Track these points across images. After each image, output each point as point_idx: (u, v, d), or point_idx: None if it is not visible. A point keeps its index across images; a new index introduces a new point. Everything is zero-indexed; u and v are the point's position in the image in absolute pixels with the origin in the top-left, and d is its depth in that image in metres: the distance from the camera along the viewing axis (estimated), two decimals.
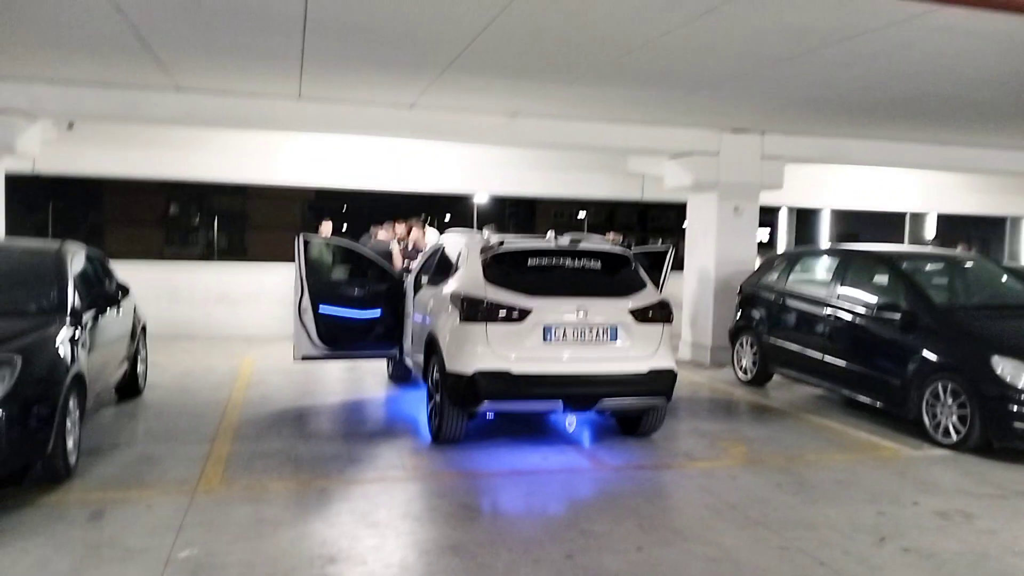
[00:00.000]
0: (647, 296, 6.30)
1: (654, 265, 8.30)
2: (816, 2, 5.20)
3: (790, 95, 8.21)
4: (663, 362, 6.15)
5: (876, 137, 10.76)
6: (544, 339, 5.91)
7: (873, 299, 7.52)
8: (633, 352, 6.08)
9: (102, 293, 6.65)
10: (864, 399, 7.46)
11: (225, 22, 6.00)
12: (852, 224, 28.19)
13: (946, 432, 6.51)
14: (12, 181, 9.86)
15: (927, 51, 6.16)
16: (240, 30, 6.21)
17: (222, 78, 8.14)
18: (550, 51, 6.63)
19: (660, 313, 6.22)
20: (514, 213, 60.89)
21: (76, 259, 6.42)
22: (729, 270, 10.39)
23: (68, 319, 5.56)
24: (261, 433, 6.57)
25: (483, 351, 5.82)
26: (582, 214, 44.32)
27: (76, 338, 5.54)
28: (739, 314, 9.46)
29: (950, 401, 6.48)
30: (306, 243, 7.57)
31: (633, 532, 4.61)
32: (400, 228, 11.03)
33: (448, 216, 41.57)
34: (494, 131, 9.84)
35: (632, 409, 6.38)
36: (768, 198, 15.98)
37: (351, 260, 8.11)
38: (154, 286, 11.21)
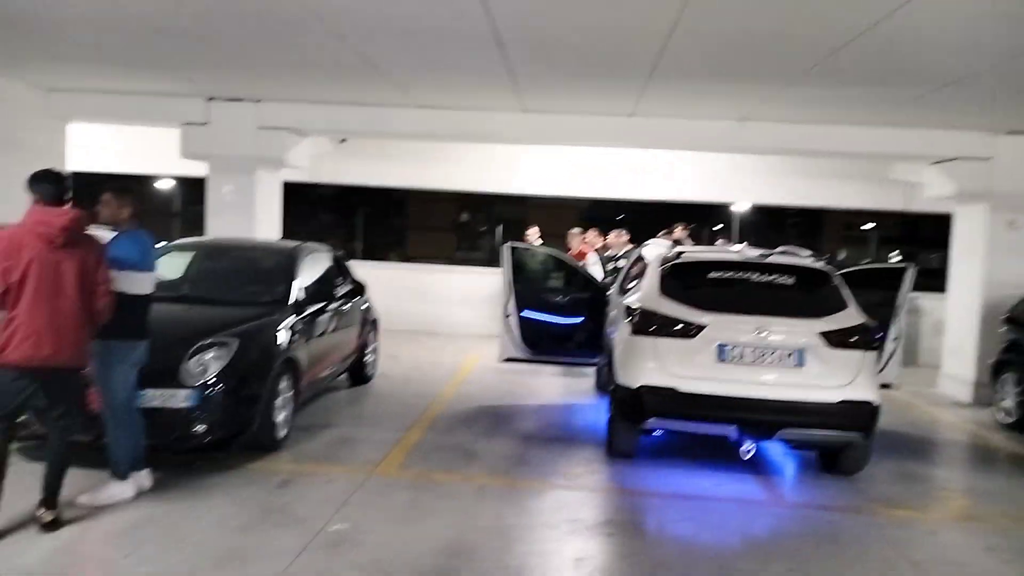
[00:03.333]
0: (845, 318, 5.65)
1: (891, 285, 7.39)
2: None
3: None
4: (860, 393, 5.48)
5: None
6: (719, 358, 5.56)
7: None
8: (823, 379, 5.48)
9: (331, 289, 7.48)
10: None
11: (432, 42, 6.46)
12: None
13: None
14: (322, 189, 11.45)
15: None
16: (445, 49, 6.64)
17: (447, 95, 8.74)
18: (743, 52, 6.22)
19: (859, 338, 5.55)
20: (796, 224, 57.39)
21: (310, 259, 7.30)
22: (1000, 293, 8.88)
23: (289, 310, 6.37)
24: (452, 426, 6.96)
25: (651, 366, 5.63)
26: (869, 225, 40.47)
27: (295, 327, 6.32)
28: (1003, 346, 8.09)
29: None
30: (513, 250, 7.88)
31: None
32: (595, 236, 10.80)
33: (719, 225, 40.34)
34: (722, 137, 9.42)
35: (822, 443, 5.77)
36: None
37: (558, 268, 8.30)
38: (405, 285, 12.57)
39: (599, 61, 6.79)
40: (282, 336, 6.10)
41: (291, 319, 6.30)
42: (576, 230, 11.29)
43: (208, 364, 5.30)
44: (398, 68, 7.57)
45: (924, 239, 42.99)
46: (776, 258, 6.08)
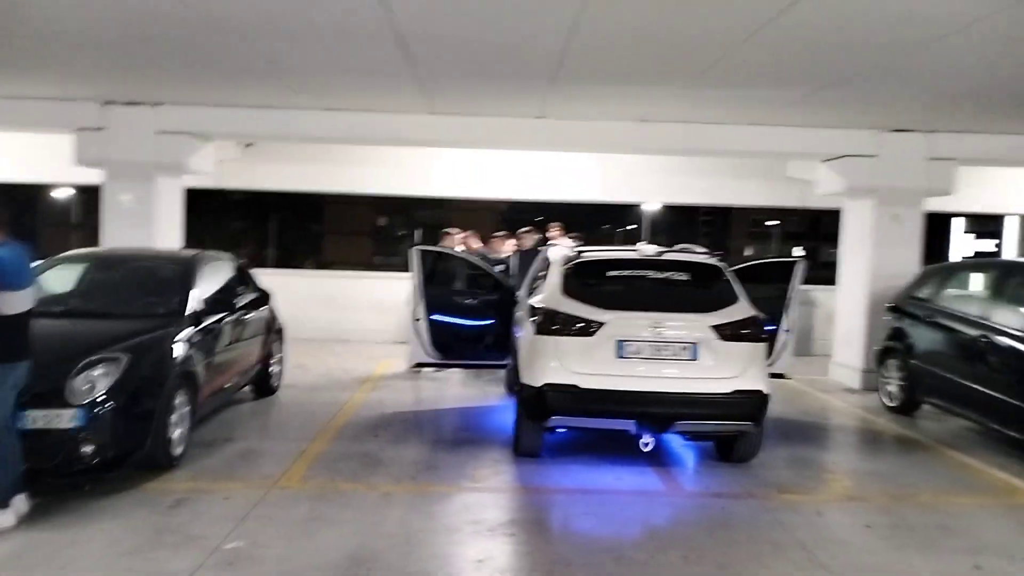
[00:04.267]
0: (736, 312, 5.88)
1: (783, 278, 7.71)
2: None
3: (943, 88, 7.33)
4: (751, 383, 5.70)
5: None
6: (618, 354, 5.70)
7: None
8: (715, 372, 5.69)
9: (233, 299, 7.30)
10: (1015, 435, 6.46)
11: (332, 42, 6.39)
12: None
13: None
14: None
15: None
16: (347, 49, 6.59)
17: (354, 97, 8.67)
18: (647, 52, 6.40)
19: (749, 330, 5.78)
20: (707, 222, 59.05)
21: (209, 267, 7.12)
22: (885, 285, 9.39)
23: (186, 322, 6.19)
24: (359, 435, 6.90)
25: (553, 364, 5.73)
26: (773, 222, 42.09)
27: (192, 339, 6.15)
28: (887, 334, 8.55)
29: None
30: (422, 253, 7.87)
31: (674, 564, 4.34)
32: (459, 237, 10.48)
33: (632, 226, 41.22)
34: (624, 138, 9.65)
35: (716, 433, 5.99)
36: (989, 205, 14.43)
37: (467, 270, 8.34)
38: (319, 292, 12.44)
39: (503, 63, 6.88)
40: (178, 349, 5.92)
41: (188, 331, 6.13)
42: (501, 233, 11.32)
43: (96, 381, 5.11)
44: (301, 69, 7.47)
45: (825, 234, 45.04)
46: (671, 255, 6.26)
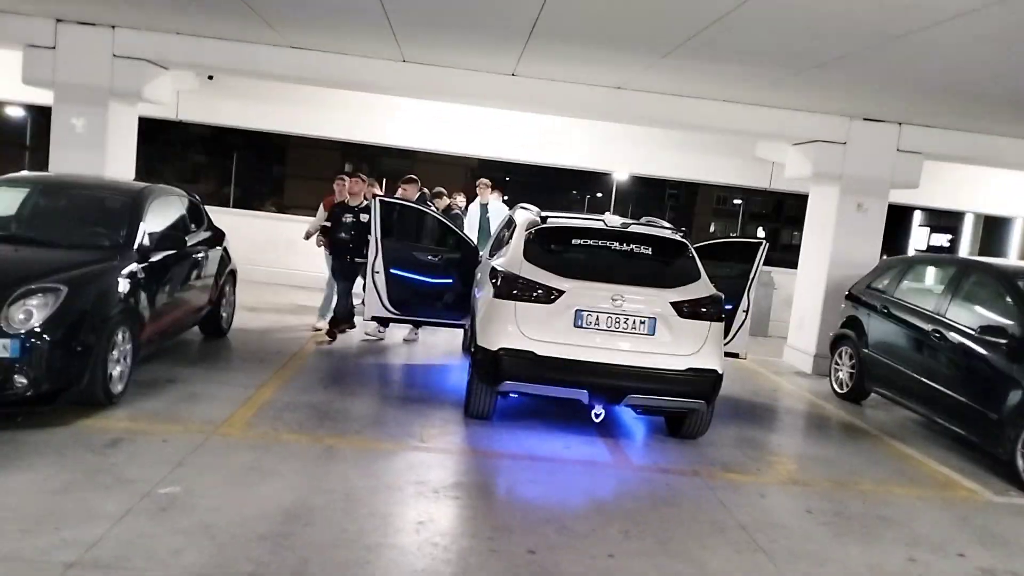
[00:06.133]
0: (696, 289, 5.84)
1: (746, 258, 7.70)
2: None
3: (917, 81, 7.30)
4: (705, 362, 5.69)
5: None
6: (575, 324, 5.63)
7: (980, 320, 6.59)
8: (671, 348, 5.66)
9: (184, 236, 7.05)
10: (957, 430, 6.59)
11: None
12: None
13: None
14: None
15: None
16: None
17: (322, 36, 8.34)
18: (621, 17, 6.21)
19: (707, 309, 5.75)
20: (674, 196, 59.30)
21: (160, 202, 6.84)
22: (844, 273, 9.46)
23: (131, 257, 5.94)
24: (308, 385, 6.77)
25: (510, 329, 5.64)
26: (737, 202, 42.49)
27: (137, 275, 5.92)
28: (842, 321, 8.64)
29: None
30: (382, 204, 7.66)
31: (614, 537, 4.33)
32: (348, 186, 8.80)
33: (599, 195, 41.18)
34: (599, 104, 9.49)
35: (668, 409, 5.98)
36: (949, 201, 14.64)
37: (430, 226, 8.15)
38: (278, 236, 12.18)
39: (479, 14, 6.63)
40: (121, 284, 5.70)
41: (133, 266, 5.90)
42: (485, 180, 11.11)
43: (33, 311, 4.90)
44: (273, 5, 7.13)
45: (789, 217, 45.71)
46: (636, 228, 6.18)
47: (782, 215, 49.69)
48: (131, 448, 4.86)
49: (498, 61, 8.58)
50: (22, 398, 4.89)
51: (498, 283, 5.78)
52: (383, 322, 8.24)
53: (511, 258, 5.96)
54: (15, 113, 23.30)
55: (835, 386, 8.56)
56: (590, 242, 6.03)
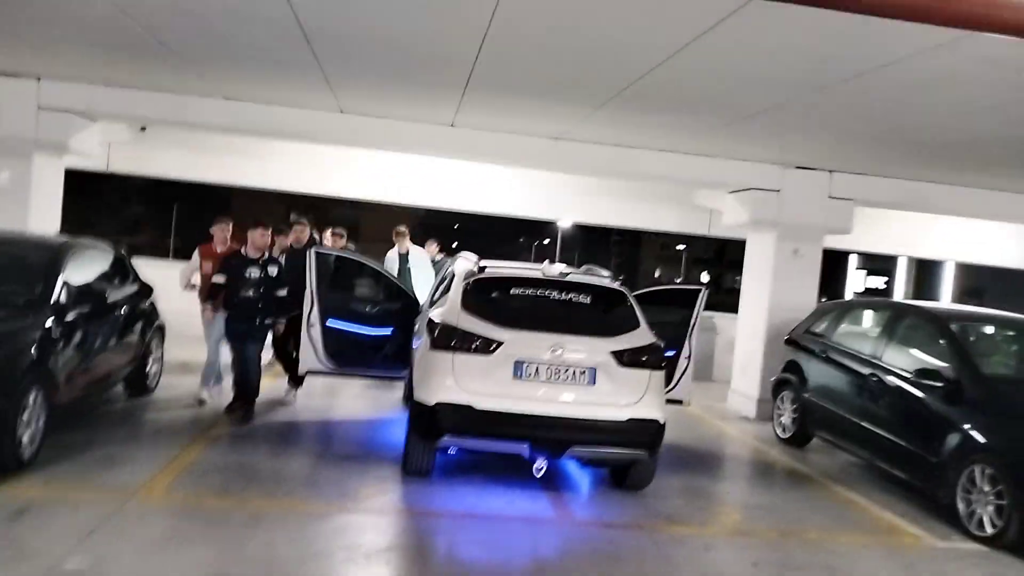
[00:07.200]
0: (636, 338, 5.77)
1: (686, 304, 7.69)
2: (828, 26, 4.59)
3: (845, 130, 7.49)
4: (647, 412, 5.60)
5: (960, 183, 9.72)
6: (515, 375, 5.50)
7: (917, 363, 6.67)
8: (612, 398, 5.55)
9: (107, 291, 6.75)
10: (899, 474, 6.60)
11: (228, 26, 5.97)
12: (981, 279, 25.94)
13: (980, 524, 5.63)
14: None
15: (976, 84, 5.39)
16: (246, 35, 6.18)
17: (256, 87, 8.22)
18: (554, 69, 6.25)
19: (647, 357, 5.68)
20: (619, 242, 60.09)
21: (80, 256, 6.55)
22: (783, 317, 9.56)
23: (46, 313, 5.63)
24: (237, 443, 6.47)
25: (448, 383, 5.47)
26: (681, 247, 43.25)
27: (53, 333, 5.60)
28: (783, 366, 8.69)
29: (987, 488, 5.60)
30: (317, 256, 7.47)
31: None
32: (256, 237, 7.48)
33: (546, 241, 41.42)
34: (538, 154, 9.52)
35: (611, 460, 5.85)
36: (883, 245, 15.06)
37: (367, 276, 7.98)
38: None
39: (413, 67, 6.61)
40: (34, 343, 5.38)
41: (48, 324, 5.58)
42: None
43: None
44: (194, 51, 6.98)
45: (731, 261, 46.67)
46: (575, 276, 6.12)
47: (724, 259, 50.77)
48: (39, 517, 4.52)
49: (436, 112, 8.56)
50: None
51: (435, 334, 5.63)
52: (298, 382, 8.00)
53: (449, 308, 5.83)
54: None
55: (778, 431, 8.55)
56: (529, 291, 5.93)
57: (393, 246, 10.46)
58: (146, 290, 7.79)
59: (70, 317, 5.89)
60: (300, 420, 7.65)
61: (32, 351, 5.33)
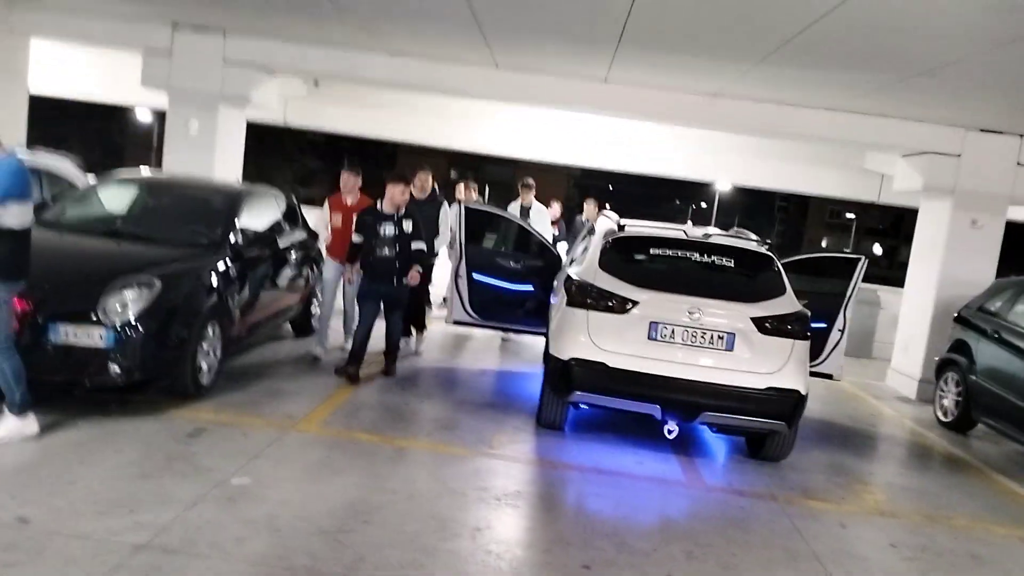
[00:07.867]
0: (780, 305, 5.58)
1: (844, 274, 7.32)
2: None
3: None
4: (788, 381, 5.43)
5: None
6: (649, 336, 5.49)
7: None
8: (751, 365, 5.43)
9: (279, 236, 7.31)
10: None
11: None
12: None
13: None
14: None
15: None
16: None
17: (417, 42, 8.51)
18: (711, 20, 6.03)
19: (791, 326, 5.49)
20: (783, 208, 57.23)
21: (256, 202, 7.14)
22: (954, 293, 8.87)
23: (224, 253, 6.22)
24: (387, 385, 6.89)
25: (582, 339, 5.55)
26: (851, 216, 40.67)
27: (230, 272, 6.18)
28: (950, 345, 8.09)
29: None
30: (467, 211, 7.72)
31: (676, 558, 4.18)
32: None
33: (703, 205, 40.24)
34: (693, 112, 9.27)
35: (745, 429, 5.74)
36: None
37: (514, 233, 8.16)
38: None
39: (567, 20, 6.60)
40: (214, 280, 5.96)
41: (226, 263, 6.16)
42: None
43: (129, 303, 5.17)
44: (362, 7, 7.32)
45: (908, 234, 43.40)
46: (718, 238, 5.98)
47: (900, 232, 47.13)
48: (211, 439, 5.07)
49: (590, 67, 8.52)
50: (115, 385, 5.18)
51: (572, 291, 5.72)
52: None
53: (586, 267, 5.88)
54: (144, 117, 24.94)
55: (939, 414, 8.02)
56: (669, 252, 5.87)
57: (517, 197, 10.30)
58: (315, 237, 8.37)
59: (245, 257, 6.47)
60: (448, 368, 8.01)
61: (212, 287, 5.92)
